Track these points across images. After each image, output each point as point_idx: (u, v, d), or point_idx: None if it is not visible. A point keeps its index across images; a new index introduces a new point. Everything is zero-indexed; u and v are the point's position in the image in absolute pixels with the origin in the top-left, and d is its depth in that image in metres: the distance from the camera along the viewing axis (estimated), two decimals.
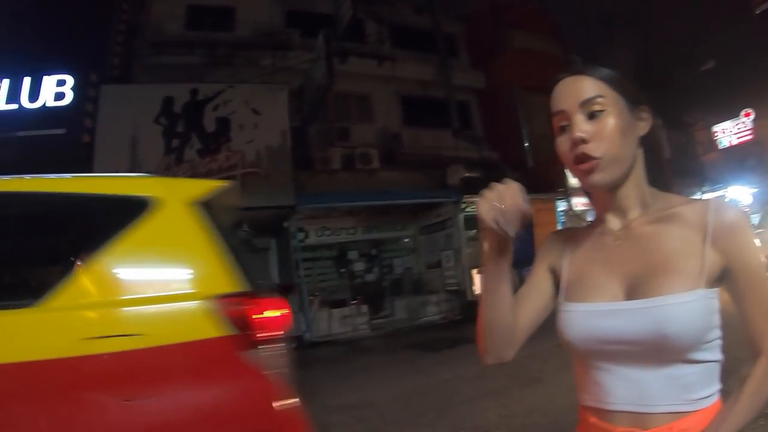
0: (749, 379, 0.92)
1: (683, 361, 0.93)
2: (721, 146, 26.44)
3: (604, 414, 0.99)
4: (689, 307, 0.90)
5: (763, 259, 0.98)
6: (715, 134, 26.53)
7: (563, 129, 1.01)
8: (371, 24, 15.09)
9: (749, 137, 25.74)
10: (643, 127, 1.03)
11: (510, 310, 1.07)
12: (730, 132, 26.19)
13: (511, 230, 0.94)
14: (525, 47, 15.93)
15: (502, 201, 0.93)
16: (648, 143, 1.04)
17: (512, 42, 15.97)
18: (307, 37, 13.40)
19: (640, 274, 0.97)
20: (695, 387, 0.93)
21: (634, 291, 0.96)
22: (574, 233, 1.14)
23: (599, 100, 0.98)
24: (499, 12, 15.98)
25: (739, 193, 28.66)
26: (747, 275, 0.94)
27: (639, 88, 1.03)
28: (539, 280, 1.15)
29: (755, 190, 28.92)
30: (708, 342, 0.93)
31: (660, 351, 0.92)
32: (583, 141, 0.97)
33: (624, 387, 0.96)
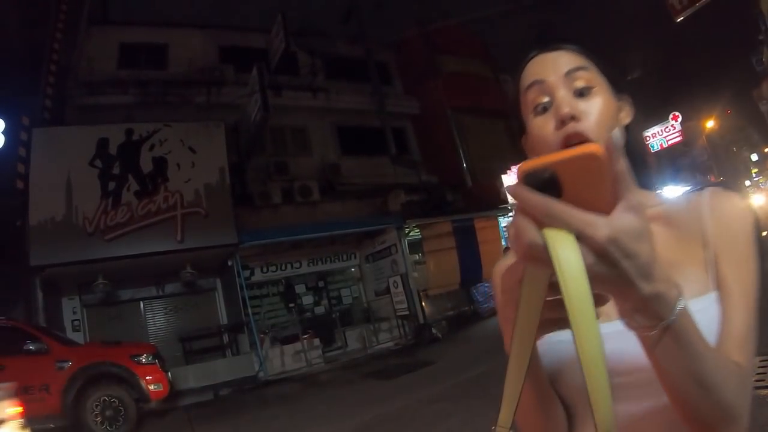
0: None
1: None
2: (652, 150, 27.76)
3: None
4: (709, 313, 0.74)
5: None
6: (646, 139, 27.82)
7: (540, 109, 0.83)
8: (304, 56, 15.18)
9: (679, 139, 27.14)
10: (624, 117, 0.88)
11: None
12: (661, 136, 27.54)
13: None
14: (456, 70, 16.36)
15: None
16: (629, 135, 0.89)
17: (443, 66, 16.37)
18: (242, 72, 13.38)
19: None
20: None
21: None
22: None
23: (584, 74, 0.82)
24: (428, 38, 16.39)
25: (674, 194, 30.11)
26: (734, 288, 0.75)
27: (619, 73, 0.89)
28: None
29: (689, 188, 30.46)
30: None
31: None
32: (573, 118, 0.79)
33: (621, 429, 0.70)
